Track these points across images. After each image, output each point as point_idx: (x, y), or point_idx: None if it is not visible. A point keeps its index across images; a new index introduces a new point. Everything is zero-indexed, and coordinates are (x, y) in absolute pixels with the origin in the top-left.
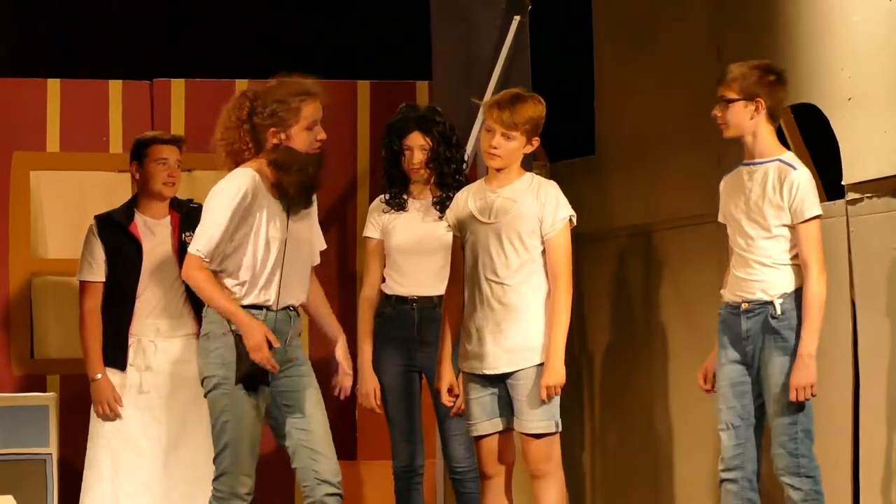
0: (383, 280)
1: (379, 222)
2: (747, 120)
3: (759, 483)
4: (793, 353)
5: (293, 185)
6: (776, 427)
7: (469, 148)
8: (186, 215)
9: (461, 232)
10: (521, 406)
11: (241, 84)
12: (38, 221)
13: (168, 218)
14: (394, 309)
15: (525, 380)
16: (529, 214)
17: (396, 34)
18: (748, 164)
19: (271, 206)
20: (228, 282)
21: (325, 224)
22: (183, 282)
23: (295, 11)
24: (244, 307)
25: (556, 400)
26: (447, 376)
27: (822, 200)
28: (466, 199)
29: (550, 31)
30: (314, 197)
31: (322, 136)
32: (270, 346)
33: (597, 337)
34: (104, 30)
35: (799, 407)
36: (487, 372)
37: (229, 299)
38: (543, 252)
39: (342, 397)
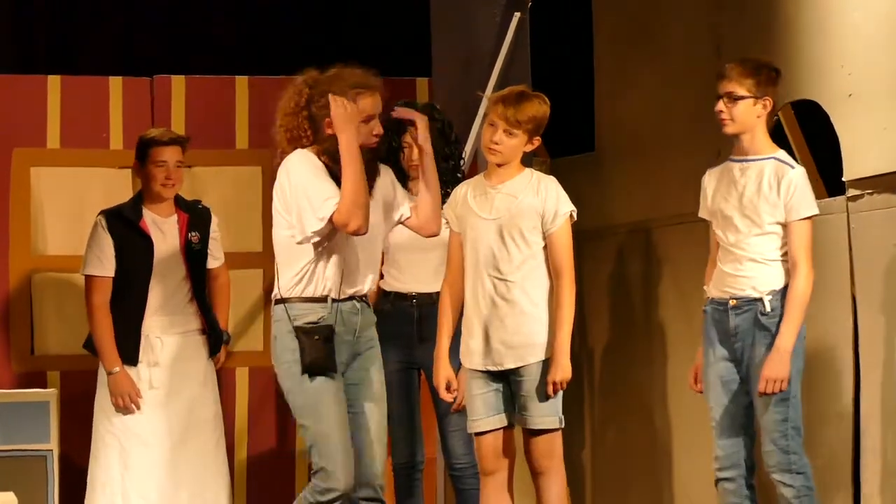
0: (381, 276)
1: None
2: (753, 118)
3: (755, 480)
4: None
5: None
6: (767, 424)
7: (469, 144)
8: (194, 216)
9: (460, 227)
10: (526, 402)
11: (242, 81)
12: (38, 218)
13: (175, 217)
14: (393, 305)
15: (530, 376)
16: (531, 210)
17: (396, 31)
18: (740, 161)
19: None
20: (287, 274)
21: None
22: (189, 280)
23: (295, 8)
24: (305, 300)
25: (560, 395)
26: (445, 372)
27: (822, 197)
28: (465, 195)
29: (550, 27)
30: (374, 183)
31: (379, 130)
32: (327, 341)
33: (597, 333)
34: (104, 26)
35: (789, 403)
36: (492, 368)
37: None
38: (545, 247)
39: None
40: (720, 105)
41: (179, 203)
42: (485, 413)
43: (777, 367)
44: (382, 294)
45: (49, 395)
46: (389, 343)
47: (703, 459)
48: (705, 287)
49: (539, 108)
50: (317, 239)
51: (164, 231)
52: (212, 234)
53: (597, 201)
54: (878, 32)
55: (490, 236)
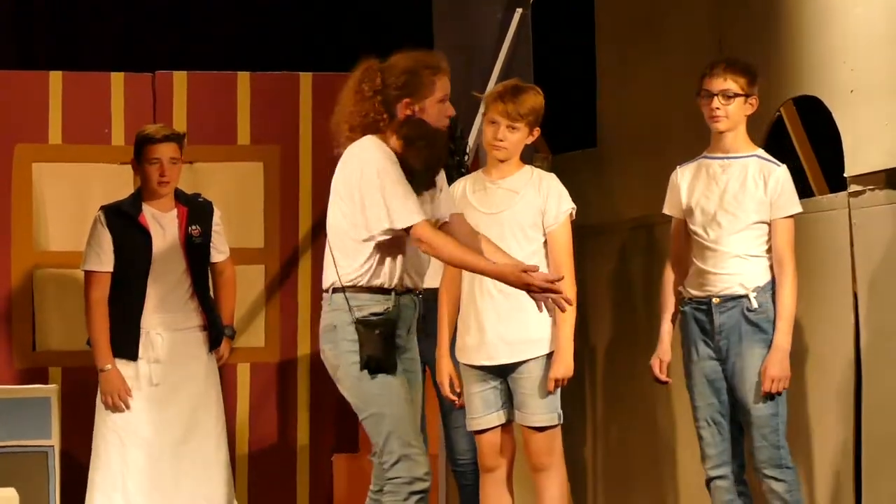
0: None
1: None
2: (743, 115)
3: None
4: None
5: (419, 161)
6: (758, 420)
7: (470, 141)
8: (194, 209)
9: None
10: (524, 399)
11: (243, 77)
12: (40, 214)
13: (175, 211)
14: None
15: (528, 373)
16: (532, 207)
17: (398, 27)
18: (721, 158)
19: None
20: (349, 263)
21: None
22: (189, 275)
23: (297, 4)
24: (368, 289)
25: (558, 392)
26: (447, 368)
27: (823, 193)
28: (464, 190)
29: (552, 23)
30: (437, 178)
31: (451, 111)
32: (387, 339)
33: (598, 330)
34: (106, 22)
35: (778, 400)
36: (486, 363)
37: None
38: (545, 244)
39: None
40: (716, 102)
41: (179, 197)
42: (484, 411)
43: (779, 366)
44: None
45: (50, 391)
46: None
47: None
48: (681, 288)
49: (536, 98)
50: (383, 238)
51: (163, 226)
52: (215, 228)
53: (599, 197)
54: (880, 28)
55: (491, 231)
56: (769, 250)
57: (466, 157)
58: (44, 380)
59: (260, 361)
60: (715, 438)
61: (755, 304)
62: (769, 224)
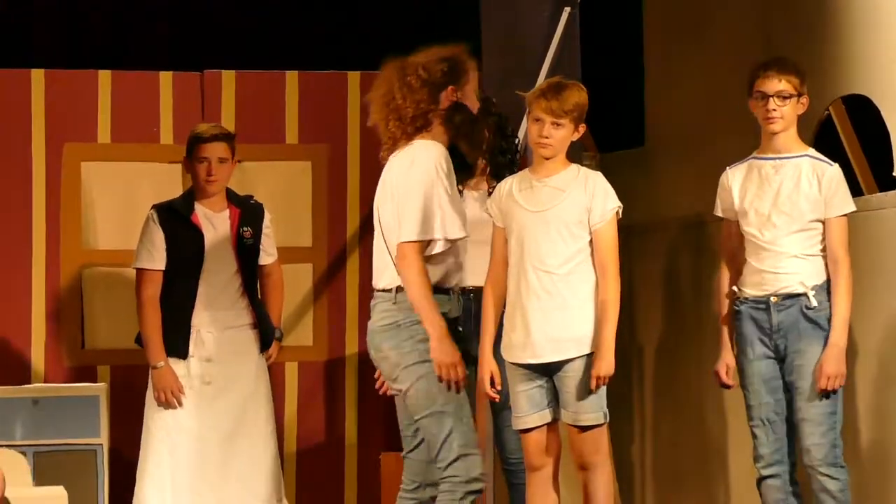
0: None
1: None
2: (795, 116)
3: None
4: None
5: (475, 145)
6: (815, 418)
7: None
8: (246, 211)
9: (504, 222)
10: (570, 398)
11: (292, 76)
12: (88, 212)
13: (227, 212)
14: None
15: (574, 371)
16: (578, 205)
17: (446, 27)
18: (772, 159)
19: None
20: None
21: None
22: (240, 275)
23: (347, 3)
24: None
25: (603, 390)
26: (490, 365)
27: (872, 191)
28: (511, 189)
29: (600, 21)
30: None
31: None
32: (455, 332)
33: (646, 329)
34: (155, 21)
35: (837, 398)
36: (532, 361)
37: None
38: (590, 242)
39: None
40: (773, 104)
41: (231, 198)
42: (529, 410)
43: (836, 363)
44: None
45: (99, 389)
46: None
47: None
48: (735, 287)
49: (580, 94)
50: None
51: (215, 225)
52: (264, 231)
53: (647, 196)
54: None
55: (537, 229)
56: (824, 249)
57: (518, 155)
58: (92, 378)
59: (308, 360)
60: (769, 438)
61: (814, 303)
62: (823, 223)
